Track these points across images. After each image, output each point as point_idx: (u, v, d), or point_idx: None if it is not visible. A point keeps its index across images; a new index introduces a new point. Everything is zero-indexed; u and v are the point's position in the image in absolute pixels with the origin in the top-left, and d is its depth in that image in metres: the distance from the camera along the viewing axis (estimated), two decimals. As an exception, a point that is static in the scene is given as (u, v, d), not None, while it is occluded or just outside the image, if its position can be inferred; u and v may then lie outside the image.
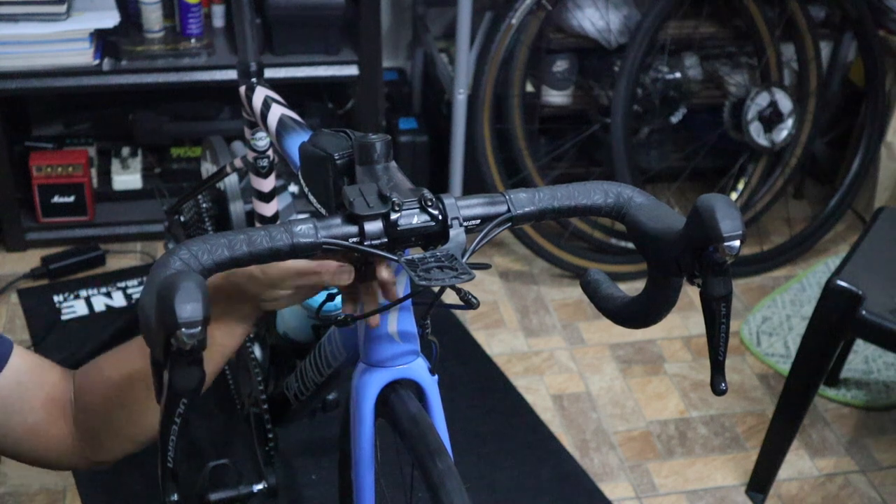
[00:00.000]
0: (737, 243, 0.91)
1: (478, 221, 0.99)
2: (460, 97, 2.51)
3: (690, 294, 2.57)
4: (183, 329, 0.80)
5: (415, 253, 0.95)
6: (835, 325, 1.82)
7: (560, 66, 2.70)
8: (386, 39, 2.89)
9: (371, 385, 1.11)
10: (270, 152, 1.69)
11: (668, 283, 1.00)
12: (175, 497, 0.88)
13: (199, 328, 0.80)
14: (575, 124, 2.73)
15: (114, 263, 2.63)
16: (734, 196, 2.75)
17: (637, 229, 1.00)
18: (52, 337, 2.34)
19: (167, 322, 0.80)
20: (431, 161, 2.80)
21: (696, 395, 2.29)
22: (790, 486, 2.08)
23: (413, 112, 2.92)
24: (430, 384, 1.13)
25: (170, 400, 0.84)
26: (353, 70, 2.59)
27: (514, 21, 2.46)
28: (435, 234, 0.97)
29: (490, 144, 2.55)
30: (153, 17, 2.55)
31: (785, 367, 2.34)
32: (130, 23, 2.57)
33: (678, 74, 2.71)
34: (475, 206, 0.99)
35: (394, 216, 0.95)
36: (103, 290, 2.51)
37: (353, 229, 0.94)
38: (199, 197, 1.93)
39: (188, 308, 0.80)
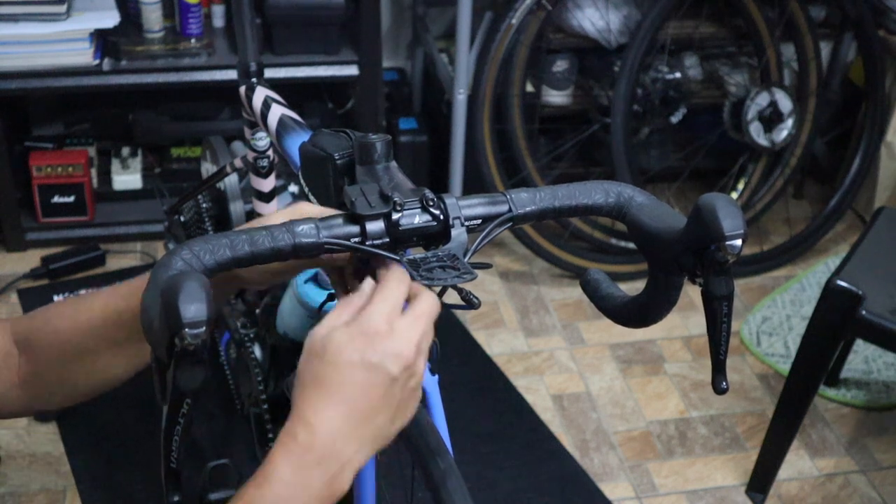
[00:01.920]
0: (739, 242, 0.91)
1: (479, 221, 0.99)
2: (460, 97, 2.51)
3: (690, 294, 2.57)
4: (187, 329, 0.79)
5: (416, 253, 0.94)
6: (835, 325, 1.82)
7: (560, 66, 2.70)
8: (386, 39, 2.89)
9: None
10: (270, 152, 1.69)
11: (669, 283, 1.00)
12: (177, 498, 0.88)
13: (204, 328, 0.80)
14: (575, 124, 2.73)
15: (114, 263, 2.63)
16: (734, 196, 2.75)
17: (638, 229, 1.00)
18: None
19: (171, 322, 0.80)
20: (431, 161, 2.80)
21: (696, 395, 2.29)
22: (790, 486, 2.08)
23: (413, 112, 2.92)
24: (431, 384, 1.13)
25: (174, 400, 0.84)
26: (353, 70, 2.59)
27: (514, 21, 2.46)
28: (436, 234, 0.97)
29: (490, 144, 2.55)
30: (153, 17, 2.55)
31: (785, 367, 2.34)
32: (130, 23, 2.57)
33: (678, 74, 2.71)
34: (476, 206, 0.99)
35: (395, 216, 0.95)
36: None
37: (355, 229, 0.94)
38: (199, 197, 1.93)
39: (192, 308, 0.80)
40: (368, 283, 0.90)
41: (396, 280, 0.88)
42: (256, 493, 0.84)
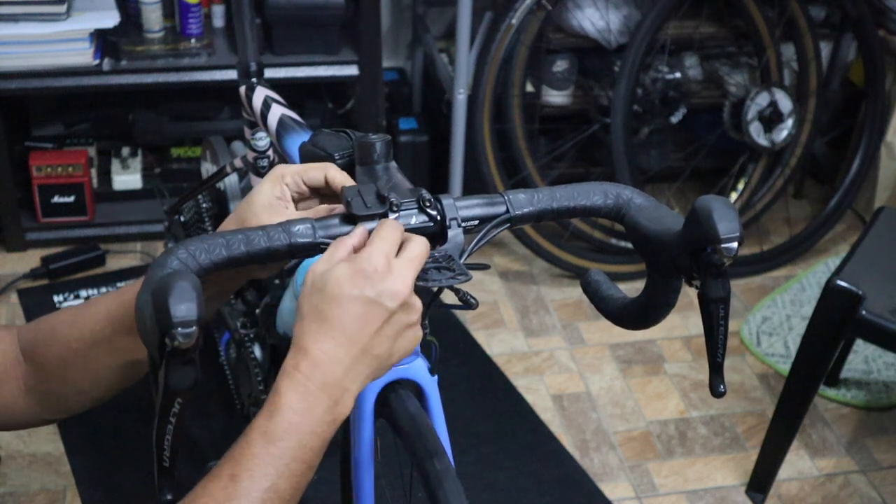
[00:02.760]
0: (734, 245, 0.91)
1: (476, 222, 0.99)
2: (460, 97, 2.51)
3: (690, 294, 2.55)
4: (178, 329, 0.80)
5: (413, 253, 0.95)
6: (835, 325, 1.82)
7: (560, 66, 2.70)
8: (386, 39, 2.89)
9: (371, 385, 1.11)
10: (270, 152, 1.69)
11: (668, 285, 1.01)
12: (170, 497, 0.89)
13: (194, 328, 0.80)
14: (575, 124, 2.73)
15: (114, 263, 2.63)
16: (734, 196, 2.75)
17: (636, 231, 1.00)
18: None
19: (162, 321, 0.80)
20: (431, 161, 2.80)
21: (696, 395, 2.29)
22: (790, 486, 2.08)
23: (413, 112, 2.92)
24: (430, 384, 1.12)
25: (165, 399, 0.84)
26: (353, 70, 2.59)
27: (514, 21, 2.46)
28: (433, 235, 0.97)
29: (490, 144, 2.55)
30: (153, 17, 2.55)
31: (785, 367, 2.34)
32: (130, 23, 2.57)
33: (678, 74, 2.71)
34: (474, 207, 0.99)
35: (392, 216, 0.95)
36: (103, 290, 2.51)
37: (351, 229, 0.94)
38: (199, 197, 1.94)
39: (182, 308, 0.80)
40: (361, 227, 0.93)
41: (391, 226, 0.93)
42: (269, 423, 0.88)
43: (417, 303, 0.91)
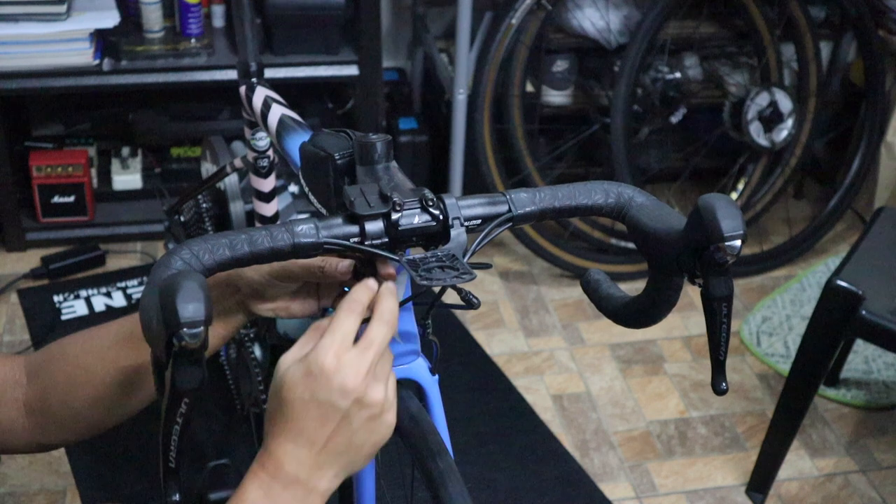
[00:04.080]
0: (738, 243, 0.91)
1: (479, 221, 0.99)
2: (460, 97, 2.51)
3: (690, 294, 2.57)
4: (185, 329, 0.80)
5: (416, 253, 0.95)
6: (835, 325, 1.82)
7: (560, 66, 2.70)
8: (386, 39, 2.89)
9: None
10: (270, 152, 1.69)
11: (669, 284, 1.00)
12: (177, 497, 0.88)
13: (201, 328, 0.80)
14: (575, 124, 2.73)
15: (114, 263, 2.63)
16: (734, 196, 2.75)
17: (638, 229, 1.00)
18: (52, 337, 2.33)
19: (169, 322, 0.80)
20: (431, 161, 2.80)
21: (696, 395, 2.29)
22: (790, 486, 2.08)
23: (413, 112, 2.92)
24: (431, 384, 1.12)
25: (172, 400, 0.84)
26: (353, 70, 2.59)
27: (514, 21, 2.46)
28: (436, 234, 0.97)
29: (490, 144, 2.55)
30: (153, 17, 2.55)
31: (785, 367, 2.34)
32: (130, 23, 2.57)
33: (678, 74, 2.71)
34: (476, 206, 0.99)
35: (395, 216, 0.95)
36: (103, 290, 2.51)
37: (354, 229, 0.94)
38: (199, 197, 1.93)
39: (190, 308, 0.80)
40: (348, 300, 0.92)
41: (345, 311, 0.91)
42: None
43: (375, 393, 0.89)
